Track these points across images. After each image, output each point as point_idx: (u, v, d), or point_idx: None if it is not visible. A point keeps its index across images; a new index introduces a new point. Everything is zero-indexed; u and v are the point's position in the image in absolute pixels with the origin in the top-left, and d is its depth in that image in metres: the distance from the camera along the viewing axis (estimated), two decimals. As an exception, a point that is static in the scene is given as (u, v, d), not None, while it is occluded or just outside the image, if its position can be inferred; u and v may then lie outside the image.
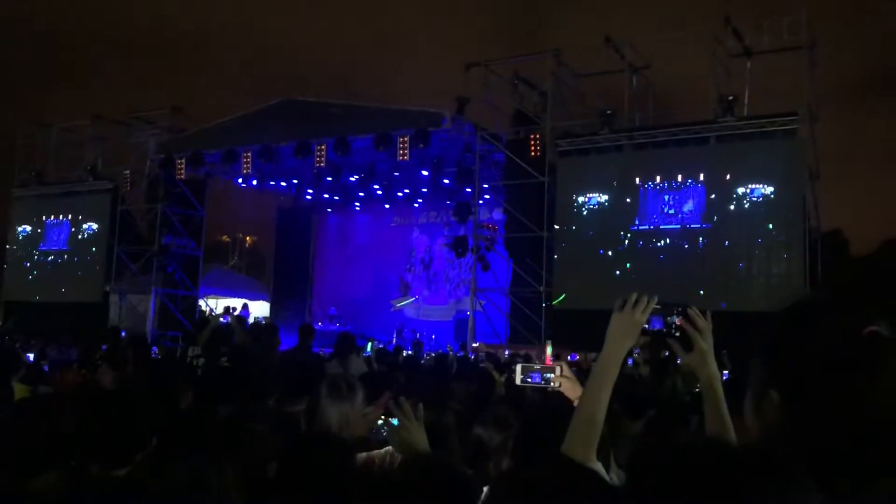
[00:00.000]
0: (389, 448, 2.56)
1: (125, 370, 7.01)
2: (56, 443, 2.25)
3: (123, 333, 13.65)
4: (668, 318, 1.89)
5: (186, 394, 4.17)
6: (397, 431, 2.35)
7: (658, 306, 1.89)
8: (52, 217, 24.28)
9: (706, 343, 1.89)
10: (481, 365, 9.00)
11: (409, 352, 14.88)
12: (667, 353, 7.57)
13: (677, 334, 1.89)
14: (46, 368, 8.38)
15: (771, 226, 15.36)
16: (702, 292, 14.85)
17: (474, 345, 16.85)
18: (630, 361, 7.61)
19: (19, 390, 4.96)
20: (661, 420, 3.50)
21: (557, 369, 2.74)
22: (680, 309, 1.90)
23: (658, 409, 3.75)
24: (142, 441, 2.32)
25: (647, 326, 1.89)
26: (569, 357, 11.26)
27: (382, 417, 2.44)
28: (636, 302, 1.89)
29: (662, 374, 6.25)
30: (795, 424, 1.29)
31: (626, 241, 16.68)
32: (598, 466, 1.85)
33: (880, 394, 1.26)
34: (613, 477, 2.71)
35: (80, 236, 23.67)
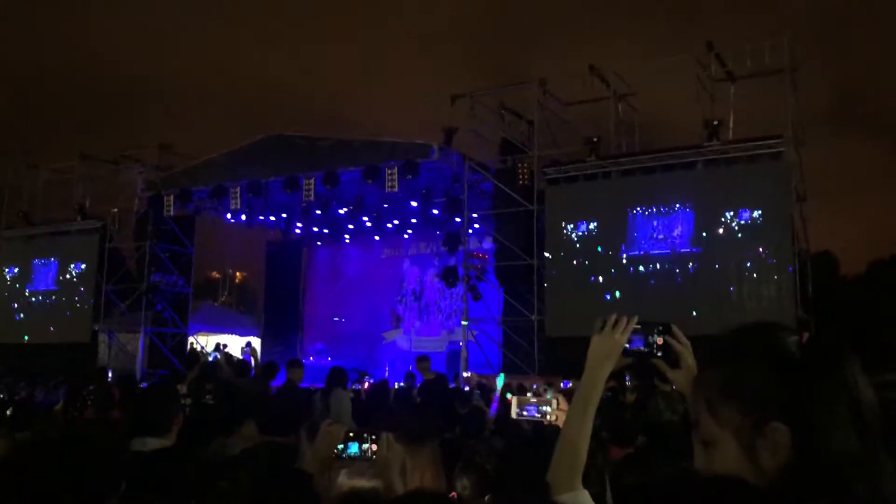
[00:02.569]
0: (376, 483, 2.48)
1: (110, 412, 6.90)
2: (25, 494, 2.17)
3: (110, 373, 13.53)
4: (650, 338, 1.85)
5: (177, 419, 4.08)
6: (382, 459, 2.30)
7: (638, 326, 1.86)
8: (40, 257, 24.14)
9: (692, 361, 1.84)
10: (475, 403, 8.91)
11: (402, 383, 14.75)
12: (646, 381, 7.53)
13: (659, 354, 1.85)
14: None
15: (760, 248, 15.38)
16: (694, 315, 14.81)
17: (465, 375, 16.72)
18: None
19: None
20: (649, 447, 3.43)
21: (554, 402, 2.68)
22: (661, 328, 1.86)
23: (648, 434, 3.69)
24: (111, 486, 2.24)
25: (628, 346, 1.85)
26: (561, 385, 11.16)
27: (352, 435, 2.36)
28: (616, 322, 1.86)
29: (646, 397, 6.20)
30: (809, 447, 1.18)
31: (617, 268, 16.66)
32: (585, 495, 1.79)
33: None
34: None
35: (67, 276, 23.50)
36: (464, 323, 18.45)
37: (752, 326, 1.35)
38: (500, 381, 8.06)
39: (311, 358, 22.34)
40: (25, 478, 2.12)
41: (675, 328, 1.86)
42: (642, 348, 1.85)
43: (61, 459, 2.35)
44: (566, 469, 1.77)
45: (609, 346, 1.85)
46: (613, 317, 1.87)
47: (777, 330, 1.30)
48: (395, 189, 17.83)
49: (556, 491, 1.74)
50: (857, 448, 1.16)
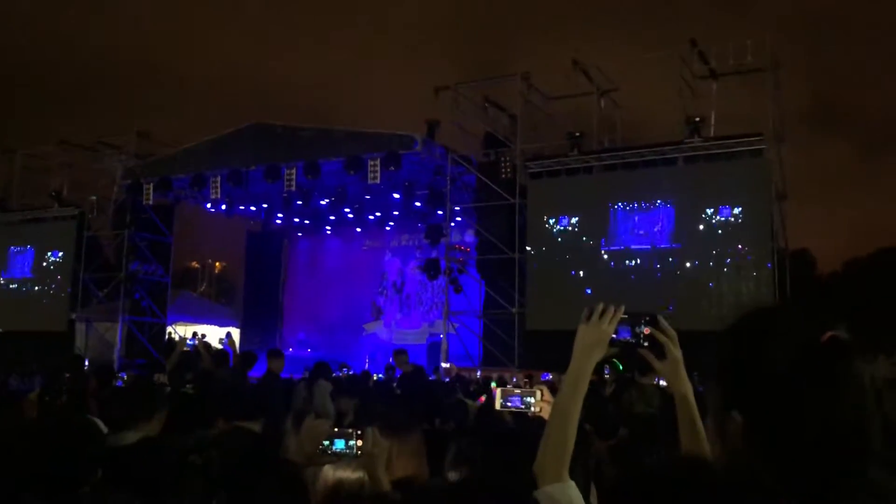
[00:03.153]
0: (361, 474, 2.47)
1: (84, 400, 6.82)
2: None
3: (87, 362, 13.40)
4: (636, 328, 1.85)
5: (160, 413, 4.04)
6: (368, 452, 2.29)
7: (625, 316, 1.85)
8: (16, 244, 23.82)
9: (678, 352, 1.85)
10: (458, 398, 8.92)
11: (381, 375, 14.74)
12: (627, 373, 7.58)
13: (646, 344, 1.84)
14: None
15: (740, 245, 15.51)
16: (672, 311, 14.90)
17: (445, 366, 16.75)
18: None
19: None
20: (631, 438, 3.45)
21: (538, 393, 2.67)
22: (648, 318, 1.85)
23: (629, 426, 3.71)
24: (85, 474, 2.22)
25: (615, 337, 1.84)
26: (541, 377, 11.20)
27: (337, 429, 2.34)
28: (603, 312, 1.85)
29: (622, 389, 6.25)
30: (760, 444, 1.23)
31: (597, 262, 16.74)
32: (572, 486, 1.79)
33: (846, 403, 1.21)
34: (593, 501, 2.65)
35: (44, 264, 23.22)
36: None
37: (766, 315, 1.35)
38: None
39: (291, 349, 22.26)
40: (3, 461, 2.10)
41: (661, 319, 1.86)
42: (629, 338, 1.85)
43: (34, 446, 2.33)
44: (553, 459, 1.76)
45: (596, 335, 1.84)
46: (601, 306, 1.86)
47: (784, 330, 1.29)
48: (378, 181, 17.77)
49: (542, 481, 1.74)
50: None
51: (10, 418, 5.13)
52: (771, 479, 1.09)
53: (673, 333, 1.85)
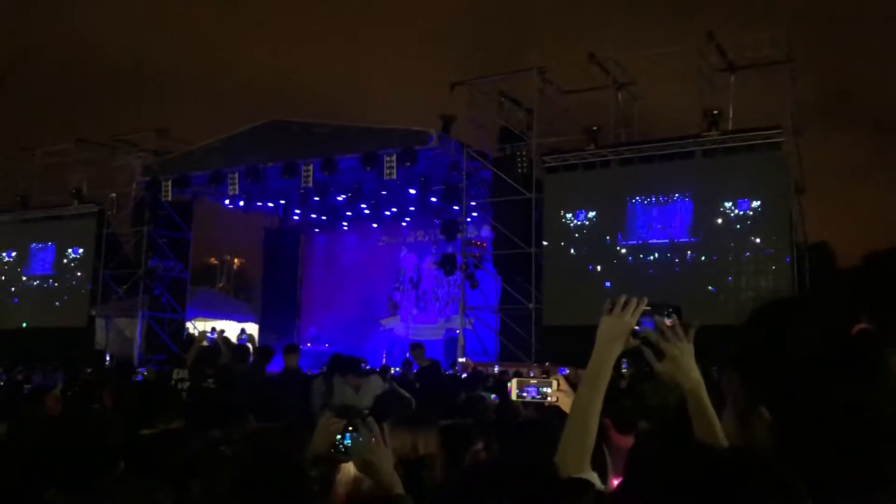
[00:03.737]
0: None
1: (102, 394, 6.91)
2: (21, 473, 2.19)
3: (108, 357, 13.55)
4: (658, 319, 1.84)
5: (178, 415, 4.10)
6: (362, 451, 2.26)
7: (648, 307, 1.84)
8: (37, 241, 24.09)
9: (678, 349, 1.82)
10: (478, 392, 8.91)
11: (398, 369, 14.79)
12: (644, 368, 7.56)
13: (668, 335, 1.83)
14: (26, 392, 8.26)
15: (758, 239, 15.42)
16: (691, 305, 14.84)
17: (461, 361, 16.77)
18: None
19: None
20: (652, 432, 3.44)
21: (554, 383, 2.68)
22: (670, 310, 1.84)
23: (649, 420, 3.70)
24: (107, 465, 2.25)
25: (637, 329, 1.83)
26: (557, 372, 11.20)
27: (350, 429, 2.34)
28: (625, 304, 1.84)
29: (637, 382, 6.23)
30: (790, 440, 1.21)
31: (614, 257, 16.69)
32: (593, 476, 1.79)
33: (879, 398, 1.19)
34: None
35: (65, 261, 23.48)
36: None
37: (791, 305, 1.34)
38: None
39: (308, 344, 22.35)
40: (22, 455, 2.14)
41: (672, 316, 1.84)
42: (652, 330, 1.84)
43: (56, 438, 2.37)
44: (575, 450, 1.76)
45: (618, 327, 1.82)
46: (623, 298, 1.85)
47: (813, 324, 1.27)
48: (394, 176, 17.80)
49: (564, 473, 1.73)
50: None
51: (34, 412, 5.22)
52: (799, 475, 1.07)
53: (681, 334, 1.82)
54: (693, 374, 1.81)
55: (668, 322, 1.82)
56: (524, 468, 1.28)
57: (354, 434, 2.29)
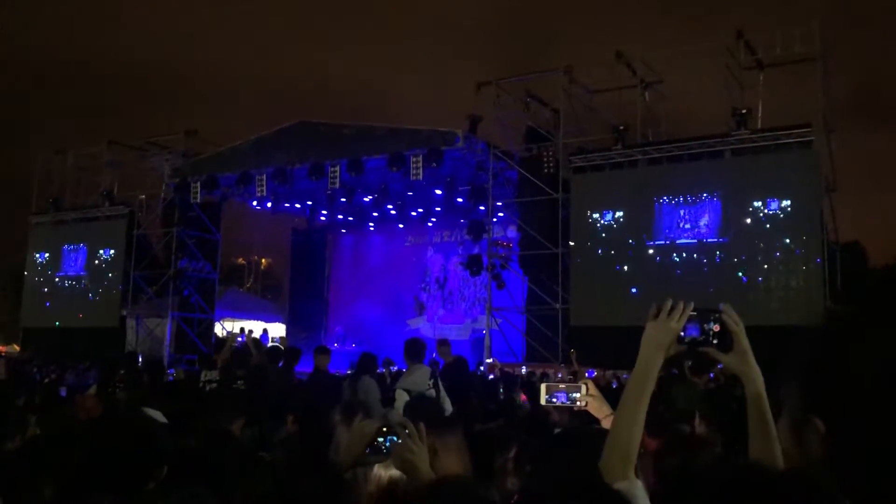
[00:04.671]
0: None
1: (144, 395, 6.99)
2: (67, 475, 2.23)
3: (140, 357, 13.71)
4: (705, 325, 1.82)
5: (237, 421, 4.17)
6: (401, 451, 2.29)
7: (694, 313, 1.82)
8: (69, 243, 24.46)
9: (746, 343, 1.81)
10: (509, 395, 8.88)
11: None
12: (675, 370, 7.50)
13: (715, 341, 1.81)
14: (64, 393, 8.39)
15: (788, 239, 15.22)
16: (721, 307, 14.69)
17: (488, 361, 16.76)
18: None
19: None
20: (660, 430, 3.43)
21: (583, 388, 2.68)
22: (717, 315, 1.82)
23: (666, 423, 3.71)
24: (152, 470, 2.29)
25: (682, 334, 1.81)
26: (586, 374, 11.15)
27: (384, 430, 2.37)
28: (671, 309, 1.82)
29: (668, 386, 6.22)
30: (843, 454, 1.21)
31: (642, 257, 16.58)
32: (637, 483, 1.78)
33: None
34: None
35: (96, 261, 23.82)
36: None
37: (860, 320, 1.34)
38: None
39: (336, 345, 22.47)
40: (69, 457, 2.18)
41: (728, 308, 1.82)
42: (697, 336, 1.82)
43: (101, 443, 2.41)
44: (619, 457, 1.75)
45: (664, 333, 1.80)
46: (669, 302, 1.83)
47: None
48: (420, 177, 17.84)
49: (608, 479, 1.73)
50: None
51: (70, 415, 5.30)
52: (844, 489, 1.07)
53: (740, 322, 1.81)
54: (758, 372, 1.80)
55: (715, 327, 1.81)
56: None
57: (392, 436, 2.32)
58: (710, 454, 2.98)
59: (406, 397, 6.31)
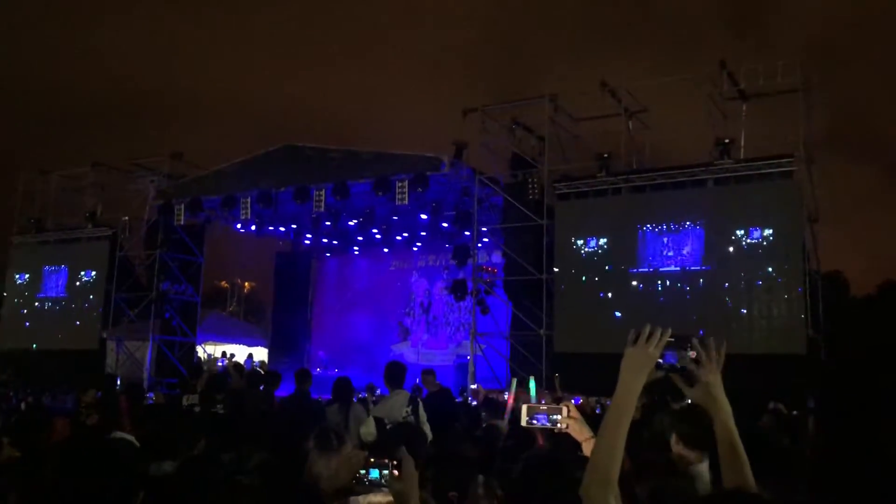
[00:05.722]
0: (391, 499, 2.48)
1: (117, 419, 6.89)
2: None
3: (119, 381, 13.55)
4: (682, 352, 1.83)
5: (199, 442, 4.11)
6: (393, 482, 2.28)
7: (671, 339, 1.83)
8: (51, 264, 24.23)
9: (711, 377, 1.82)
10: (489, 422, 8.82)
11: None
12: (656, 397, 7.49)
13: (692, 367, 1.82)
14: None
15: (770, 268, 15.32)
16: (702, 335, 14.73)
17: (473, 387, 16.68)
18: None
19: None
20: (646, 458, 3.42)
21: (564, 410, 2.67)
22: (694, 341, 1.83)
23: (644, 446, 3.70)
24: (128, 495, 2.25)
25: (661, 361, 1.82)
26: (572, 401, 11.12)
27: (372, 462, 2.34)
28: (649, 335, 1.83)
29: (652, 413, 6.19)
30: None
31: (626, 284, 16.63)
32: None
33: None
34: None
35: (77, 283, 23.59)
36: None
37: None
38: (532, 386, 7.78)
39: (318, 369, 22.32)
40: (56, 478, 2.14)
41: (709, 342, 1.84)
42: (674, 363, 1.83)
43: (75, 467, 2.37)
44: (599, 482, 1.75)
45: (643, 359, 1.82)
46: (647, 329, 1.84)
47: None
48: (406, 202, 17.86)
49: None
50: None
51: (45, 439, 5.21)
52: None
53: (714, 357, 1.83)
54: (724, 403, 1.81)
55: (691, 354, 1.82)
56: None
57: (382, 470, 2.30)
58: (683, 480, 2.97)
59: (373, 426, 6.24)
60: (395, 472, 2.31)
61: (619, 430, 1.80)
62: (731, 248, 15.63)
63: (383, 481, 2.33)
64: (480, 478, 2.97)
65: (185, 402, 9.22)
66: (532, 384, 7.67)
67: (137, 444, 3.52)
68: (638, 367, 1.82)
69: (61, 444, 4.95)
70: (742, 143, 16.25)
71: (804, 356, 14.39)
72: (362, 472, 2.33)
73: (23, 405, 13.28)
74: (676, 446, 3.97)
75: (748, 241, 15.47)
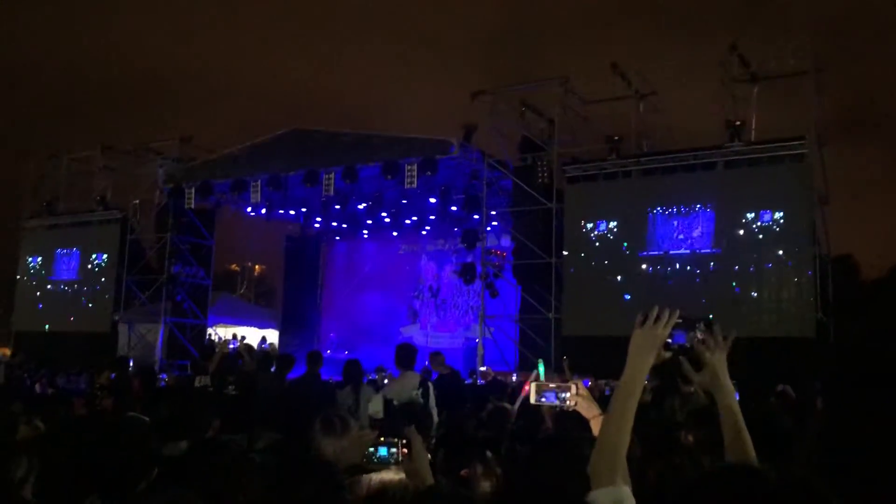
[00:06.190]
0: (403, 476, 2.53)
1: (131, 400, 6.98)
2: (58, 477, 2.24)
3: (131, 363, 13.67)
4: (691, 333, 1.85)
5: (213, 423, 4.16)
6: (405, 460, 2.32)
7: (680, 321, 1.85)
8: (62, 247, 24.37)
9: (716, 359, 1.84)
10: (497, 403, 8.86)
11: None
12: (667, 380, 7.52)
13: (692, 350, 1.84)
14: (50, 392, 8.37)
15: (781, 251, 15.28)
16: (711, 318, 14.72)
17: (482, 369, 16.75)
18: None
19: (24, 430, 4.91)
20: (656, 441, 3.45)
21: (573, 388, 2.69)
22: (703, 323, 1.85)
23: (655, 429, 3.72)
24: (142, 471, 2.30)
25: (669, 341, 1.84)
26: (582, 384, 11.15)
27: (382, 439, 2.38)
28: (657, 317, 1.84)
29: (663, 396, 6.22)
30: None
31: (635, 267, 16.61)
32: (625, 489, 1.80)
33: None
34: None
35: (89, 266, 23.74)
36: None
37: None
38: (540, 367, 7.80)
39: (329, 351, 22.43)
40: (71, 456, 2.19)
41: (715, 328, 1.86)
42: (683, 343, 1.85)
43: (92, 444, 2.42)
44: (606, 462, 1.77)
45: (651, 340, 1.83)
46: (656, 310, 1.86)
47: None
48: (415, 185, 17.86)
49: (596, 484, 1.75)
50: None
51: (64, 414, 5.31)
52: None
53: (720, 341, 1.84)
54: (729, 387, 1.82)
55: (699, 335, 1.84)
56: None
57: (390, 448, 2.34)
58: (694, 462, 2.99)
59: (380, 404, 6.29)
60: (405, 451, 2.35)
61: (627, 409, 1.81)
62: (741, 231, 15.59)
63: (391, 459, 2.38)
64: (487, 455, 3.00)
65: (196, 383, 9.31)
66: (541, 366, 7.69)
67: (150, 424, 3.58)
68: (646, 347, 1.83)
69: (79, 423, 5.04)
70: (753, 125, 16.16)
71: (814, 339, 14.38)
72: (371, 449, 2.37)
73: (37, 386, 13.45)
74: (686, 440, 3.98)
75: (758, 224, 15.42)
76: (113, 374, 9.41)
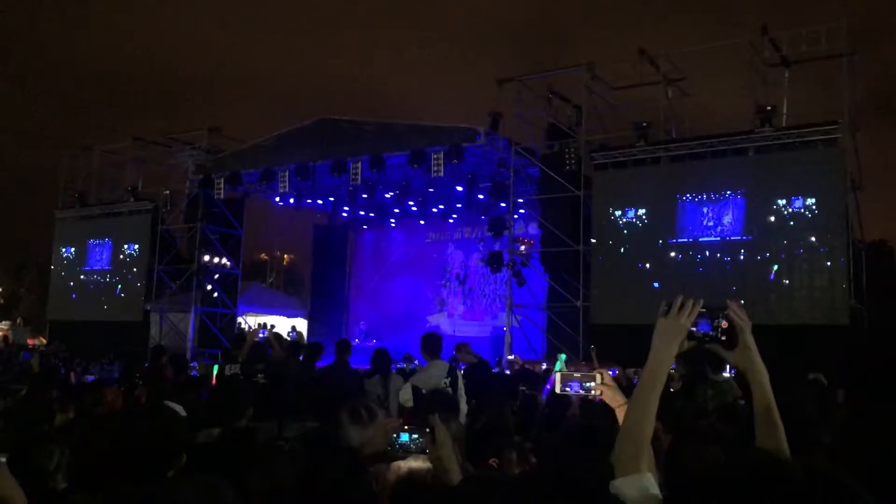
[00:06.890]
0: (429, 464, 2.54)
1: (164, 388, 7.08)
2: (92, 463, 2.28)
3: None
4: (715, 322, 1.85)
5: (248, 410, 4.21)
6: (434, 449, 2.33)
7: (703, 310, 1.85)
8: (95, 238, 24.75)
9: (749, 338, 1.84)
10: (527, 392, 8.88)
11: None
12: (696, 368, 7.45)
13: (723, 337, 1.84)
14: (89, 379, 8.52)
15: (813, 237, 15.06)
16: (742, 304, 14.57)
17: (510, 357, 16.74)
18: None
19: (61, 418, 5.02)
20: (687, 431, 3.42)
21: (598, 377, 2.69)
22: (724, 312, 1.85)
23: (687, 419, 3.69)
24: (171, 458, 2.33)
25: (693, 330, 1.84)
26: (609, 373, 11.11)
27: (405, 428, 2.40)
28: (681, 306, 1.85)
29: (694, 385, 6.17)
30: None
31: (664, 255, 16.47)
32: (649, 477, 1.79)
33: None
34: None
35: (121, 256, 24.09)
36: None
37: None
38: (561, 358, 7.84)
39: (357, 340, 22.56)
40: (101, 443, 2.23)
41: (735, 306, 1.85)
42: (708, 332, 1.85)
43: (123, 432, 2.47)
44: (630, 450, 1.77)
45: (675, 329, 1.84)
46: (679, 299, 1.86)
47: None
48: (441, 174, 17.85)
49: (620, 472, 1.75)
50: None
51: (97, 402, 5.41)
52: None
53: (747, 321, 1.85)
54: (761, 364, 1.82)
55: (724, 324, 1.83)
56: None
57: (412, 434, 2.36)
58: (721, 450, 2.97)
59: (409, 392, 6.31)
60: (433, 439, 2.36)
61: (650, 398, 1.82)
62: (772, 218, 15.38)
63: (412, 446, 2.39)
64: (517, 442, 3.01)
65: (226, 371, 9.42)
66: (562, 357, 7.72)
67: (183, 411, 3.63)
68: (670, 336, 1.84)
69: (114, 411, 5.14)
70: (784, 110, 15.90)
71: (847, 327, 14.18)
72: (394, 436, 2.39)
73: (72, 375, 13.69)
74: None
75: (790, 210, 15.20)
76: (146, 364, 9.55)
